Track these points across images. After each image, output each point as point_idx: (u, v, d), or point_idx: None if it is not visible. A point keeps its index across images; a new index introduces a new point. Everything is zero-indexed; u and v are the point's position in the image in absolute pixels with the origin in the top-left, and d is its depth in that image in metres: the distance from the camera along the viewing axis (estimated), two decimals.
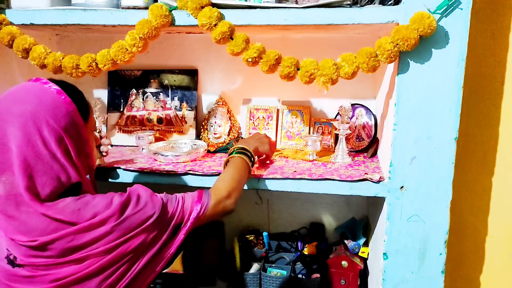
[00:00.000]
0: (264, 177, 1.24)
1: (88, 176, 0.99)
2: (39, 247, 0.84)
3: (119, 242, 0.86)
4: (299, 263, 1.62)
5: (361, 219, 1.68)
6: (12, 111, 0.85)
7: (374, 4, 1.15)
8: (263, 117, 1.62)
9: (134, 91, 1.67)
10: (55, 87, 0.90)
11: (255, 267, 1.65)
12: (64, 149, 0.88)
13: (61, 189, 0.87)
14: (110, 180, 1.33)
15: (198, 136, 1.63)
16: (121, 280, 0.88)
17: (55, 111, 0.87)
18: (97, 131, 1.35)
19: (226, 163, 1.20)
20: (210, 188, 1.06)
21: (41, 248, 0.84)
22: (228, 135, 1.58)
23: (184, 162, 1.38)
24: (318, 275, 1.55)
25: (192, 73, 1.65)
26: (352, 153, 1.50)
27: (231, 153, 1.21)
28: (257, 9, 1.16)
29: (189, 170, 1.28)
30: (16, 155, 0.83)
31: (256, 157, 1.26)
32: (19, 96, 0.88)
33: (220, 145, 1.56)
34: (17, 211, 0.85)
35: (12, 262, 0.87)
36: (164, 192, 0.98)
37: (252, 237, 1.72)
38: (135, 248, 0.88)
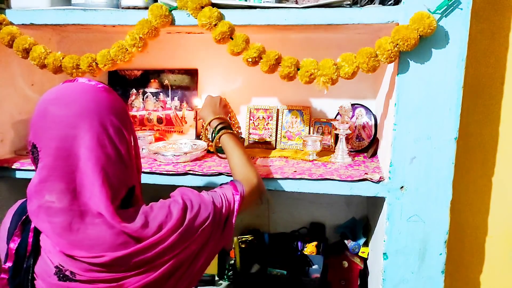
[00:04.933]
0: (264, 177, 1.24)
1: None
2: (107, 264, 0.78)
3: (183, 247, 0.84)
4: (299, 263, 1.62)
5: (361, 219, 1.68)
6: (70, 113, 0.76)
7: (374, 4, 1.15)
8: (263, 117, 1.62)
9: (134, 91, 1.67)
10: (100, 85, 0.84)
11: (255, 267, 1.65)
12: (126, 148, 0.82)
13: (124, 192, 0.81)
14: None
15: (198, 136, 1.63)
16: (182, 278, 0.87)
17: (113, 108, 0.82)
18: None
19: (216, 145, 1.21)
20: (233, 179, 1.06)
21: (109, 264, 0.78)
22: None
23: (184, 162, 1.38)
24: (318, 275, 1.55)
25: (192, 73, 1.65)
26: (352, 153, 1.50)
27: (217, 132, 1.19)
28: (257, 9, 1.16)
29: (189, 170, 1.28)
30: (88, 158, 0.76)
31: None
32: (73, 96, 0.79)
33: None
34: (82, 224, 0.77)
35: (66, 277, 0.79)
36: (203, 190, 0.96)
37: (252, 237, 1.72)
38: (196, 250, 0.87)
